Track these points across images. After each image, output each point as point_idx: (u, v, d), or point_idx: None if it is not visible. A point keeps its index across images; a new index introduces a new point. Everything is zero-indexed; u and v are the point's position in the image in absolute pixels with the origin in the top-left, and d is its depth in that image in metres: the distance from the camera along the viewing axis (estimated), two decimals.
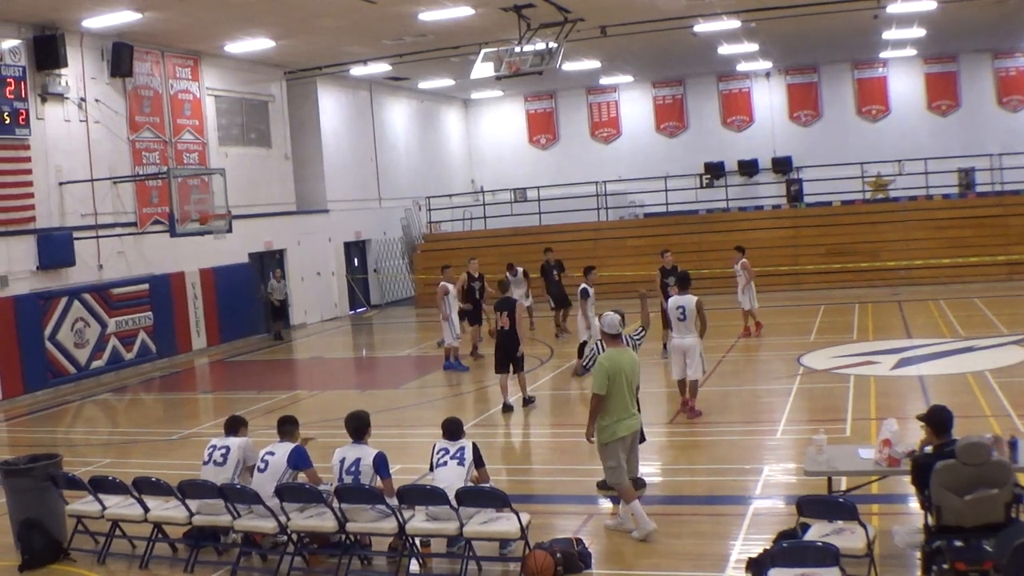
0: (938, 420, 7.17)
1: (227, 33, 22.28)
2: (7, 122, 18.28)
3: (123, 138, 21.62)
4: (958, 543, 6.56)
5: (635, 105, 36.66)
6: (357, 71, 28.34)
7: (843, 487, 8.49)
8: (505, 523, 7.94)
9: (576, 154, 36.95)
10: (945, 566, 6.56)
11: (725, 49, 28.57)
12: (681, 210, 31.52)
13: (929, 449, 7.22)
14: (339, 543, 8.35)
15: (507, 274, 19.89)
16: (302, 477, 8.57)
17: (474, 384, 17.40)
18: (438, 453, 8.50)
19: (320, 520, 8.31)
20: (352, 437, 8.48)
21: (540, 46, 21.19)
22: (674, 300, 13.47)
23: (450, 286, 18.53)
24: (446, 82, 32.54)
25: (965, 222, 27.35)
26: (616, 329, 9.10)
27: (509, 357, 14.60)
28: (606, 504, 9.62)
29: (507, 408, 14.45)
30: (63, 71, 19.66)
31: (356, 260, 30.96)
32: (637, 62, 31.70)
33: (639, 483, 9.42)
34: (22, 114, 18.58)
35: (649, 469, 11.20)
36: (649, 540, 8.53)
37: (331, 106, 29.81)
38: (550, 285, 21.72)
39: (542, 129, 37.97)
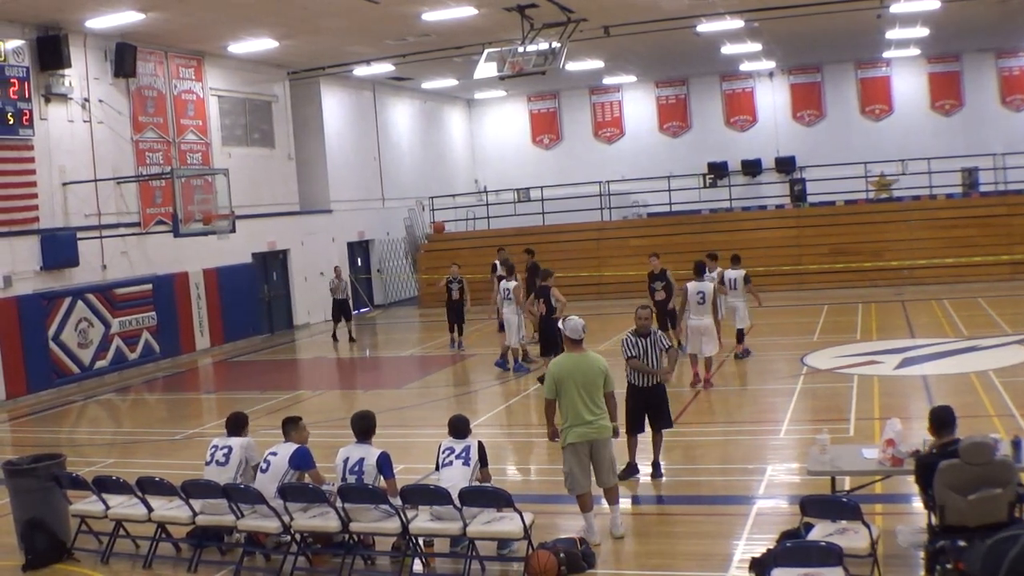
0: (935, 419, 7.19)
1: (230, 33, 22.30)
2: (11, 122, 18.32)
3: (127, 138, 21.65)
4: (961, 543, 6.55)
5: (638, 105, 36.64)
6: (360, 71, 28.36)
7: (846, 487, 8.48)
8: (508, 523, 7.94)
9: (579, 154, 36.94)
10: (949, 566, 6.55)
11: (728, 49, 28.55)
12: (684, 210, 31.49)
13: (929, 448, 7.23)
14: (342, 543, 8.34)
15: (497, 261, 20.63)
16: (306, 477, 8.57)
17: (477, 384, 17.40)
18: (444, 452, 8.49)
19: (323, 520, 8.31)
20: (358, 437, 8.47)
21: (543, 46, 21.17)
22: (694, 286, 15.34)
23: (510, 286, 18.14)
24: (449, 82, 32.55)
25: (968, 222, 27.30)
26: (578, 334, 8.89)
27: (549, 341, 15.73)
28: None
29: None
30: (67, 71, 19.68)
31: (360, 260, 30.98)
32: (640, 62, 31.69)
33: (632, 470, 10.36)
34: (26, 114, 18.62)
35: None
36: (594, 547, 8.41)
37: (334, 106, 29.83)
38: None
39: (545, 129, 37.98)
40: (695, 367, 15.35)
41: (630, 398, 10.58)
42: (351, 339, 23.97)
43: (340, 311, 24.03)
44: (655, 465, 10.56)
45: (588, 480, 8.74)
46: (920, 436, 7.89)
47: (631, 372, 10.58)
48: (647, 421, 10.57)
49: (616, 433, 9.05)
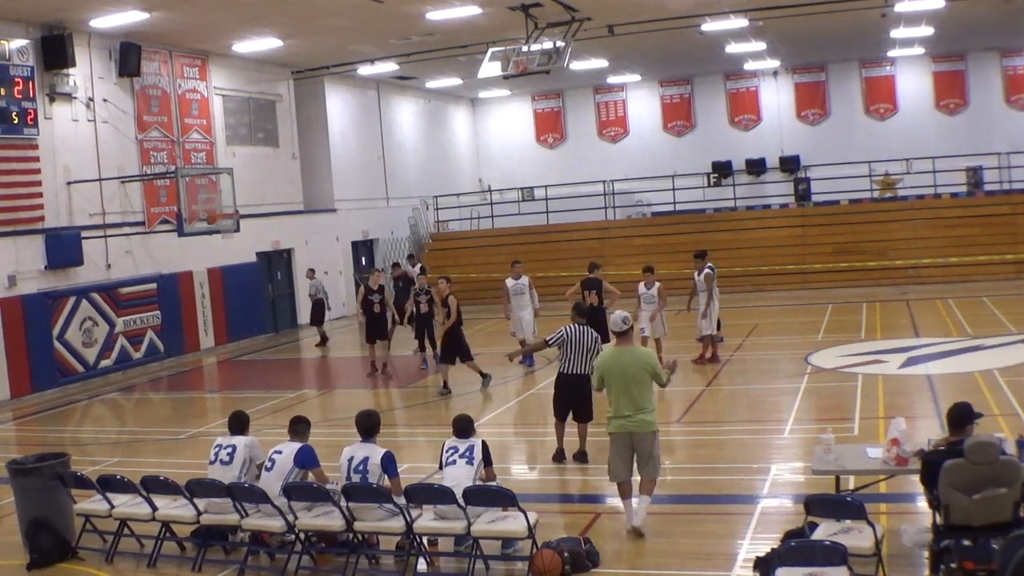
0: (951, 416, 7.18)
1: (235, 33, 22.32)
2: (15, 122, 18.35)
3: (131, 138, 21.67)
4: (966, 542, 6.55)
5: (642, 104, 36.62)
6: (364, 70, 28.37)
7: (851, 486, 8.47)
8: (512, 522, 7.93)
9: (583, 153, 36.93)
10: (953, 565, 6.55)
11: (733, 48, 28.52)
12: (688, 209, 31.49)
13: (934, 447, 7.22)
14: (347, 542, 8.35)
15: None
16: (310, 476, 8.58)
17: (480, 383, 17.37)
18: (447, 451, 8.49)
19: (328, 519, 8.31)
20: (362, 435, 8.48)
21: (547, 45, 21.15)
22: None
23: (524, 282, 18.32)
24: (453, 81, 32.54)
25: (973, 221, 27.29)
26: (619, 327, 9.08)
27: (599, 331, 15.97)
28: (614, 502, 9.60)
29: None
30: (71, 71, 19.70)
31: (364, 259, 30.99)
32: (644, 61, 31.67)
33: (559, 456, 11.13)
34: (30, 114, 18.65)
35: None
36: (634, 535, 8.60)
37: (338, 105, 29.83)
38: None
39: (549, 128, 37.96)
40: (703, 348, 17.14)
41: (557, 386, 11.32)
42: (322, 341, 23.57)
43: (316, 313, 23.83)
44: (581, 454, 11.11)
45: (626, 470, 8.88)
46: (925, 435, 7.89)
47: (561, 361, 11.19)
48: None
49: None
